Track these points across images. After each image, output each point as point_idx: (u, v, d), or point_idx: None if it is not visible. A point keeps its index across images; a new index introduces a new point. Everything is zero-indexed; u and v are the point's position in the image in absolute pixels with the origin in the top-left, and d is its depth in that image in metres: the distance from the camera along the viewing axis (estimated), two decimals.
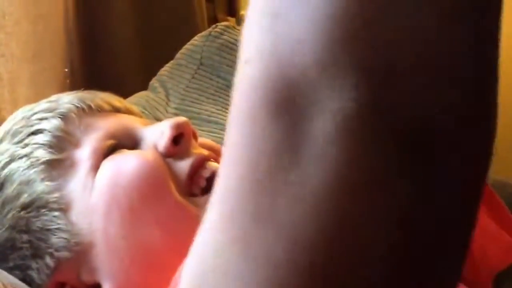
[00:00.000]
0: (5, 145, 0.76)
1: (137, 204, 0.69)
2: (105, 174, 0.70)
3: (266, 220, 0.29)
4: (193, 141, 0.75)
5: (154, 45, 1.66)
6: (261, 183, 0.29)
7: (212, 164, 0.72)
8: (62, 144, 0.73)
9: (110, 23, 1.54)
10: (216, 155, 0.75)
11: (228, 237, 0.30)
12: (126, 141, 0.74)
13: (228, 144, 0.32)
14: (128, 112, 0.82)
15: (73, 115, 0.75)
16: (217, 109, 1.35)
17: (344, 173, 0.28)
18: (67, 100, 0.78)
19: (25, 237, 0.70)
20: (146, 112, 1.33)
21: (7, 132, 0.77)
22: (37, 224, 0.70)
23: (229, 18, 2.09)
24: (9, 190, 0.72)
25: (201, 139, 0.79)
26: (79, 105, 0.76)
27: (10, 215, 0.71)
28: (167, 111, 1.36)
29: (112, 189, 0.69)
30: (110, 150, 0.73)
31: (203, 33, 1.47)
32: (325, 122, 0.27)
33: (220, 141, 1.23)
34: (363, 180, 0.28)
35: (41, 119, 0.75)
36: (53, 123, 0.74)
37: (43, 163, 0.72)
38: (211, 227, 0.32)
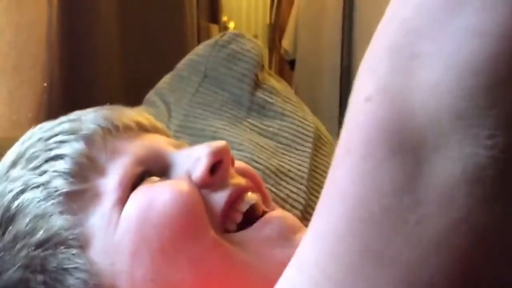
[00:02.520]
0: (18, 171, 0.65)
1: (169, 244, 0.60)
2: (133, 209, 0.61)
3: (378, 258, 0.29)
4: (230, 168, 0.67)
5: (138, 61, 1.63)
6: (375, 221, 0.30)
7: (250, 196, 0.65)
8: (85, 172, 0.64)
9: (95, 34, 1.49)
10: (253, 182, 0.69)
11: (328, 275, 0.31)
12: (156, 167, 0.66)
13: (332, 179, 0.34)
14: (155, 130, 0.73)
15: (98, 138, 0.66)
16: (223, 125, 1.21)
17: (472, 216, 0.28)
18: (91, 119, 0.68)
19: (40, 277, 0.60)
20: None
21: (20, 156, 0.66)
22: (54, 263, 0.60)
23: (211, 25, 2.17)
24: (22, 224, 0.62)
25: (236, 163, 0.71)
26: (105, 126, 0.67)
27: (23, 253, 0.61)
28: (169, 128, 1.21)
29: (142, 226, 0.60)
30: (139, 179, 0.64)
31: (209, 41, 1.34)
32: (453, 167, 0.28)
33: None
34: (492, 224, 0.28)
35: (61, 142, 0.66)
36: (75, 148, 0.64)
37: (62, 194, 0.62)
38: (306, 264, 0.33)
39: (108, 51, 1.51)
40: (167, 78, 1.32)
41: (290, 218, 0.65)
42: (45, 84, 1.27)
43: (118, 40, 1.55)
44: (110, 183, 0.63)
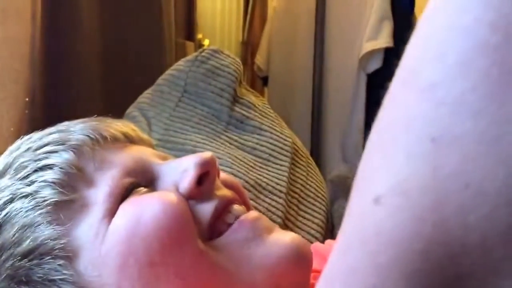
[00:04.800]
0: (6, 180, 0.63)
1: (157, 256, 0.57)
2: (122, 222, 0.59)
3: None
4: (217, 180, 0.65)
5: (118, 77, 1.60)
6: None
7: (236, 209, 0.63)
8: (74, 182, 0.61)
9: (77, 51, 1.46)
10: (238, 194, 0.66)
11: None
12: (144, 179, 0.63)
13: None
14: (141, 142, 0.71)
15: (87, 148, 0.64)
16: (202, 139, 1.21)
17: None
18: (80, 129, 0.66)
19: None
20: None
21: (8, 166, 0.64)
22: (39, 273, 0.58)
23: (187, 42, 2.15)
24: (9, 234, 0.60)
25: (222, 175, 0.69)
26: (93, 136, 0.65)
27: (8, 264, 0.59)
28: None
29: (130, 239, 0.58)
30: (128, 191, 0.61)
31: (189, 57, 1.34)
32: None
33: None
34: None
35: (50, 152, 0.63)
36: (64, 158, 0.62)
37: (50, 204, 0.60)
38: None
39: (89, 67, 1.49)
40: (147, 93, 1.31)
41: (265, 219, 0.64)
42: (27, 99, 1.24)
43: (100, 56, 1.53)
44: (99, 194, 0.61)
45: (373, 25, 2.20)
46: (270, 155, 1.21)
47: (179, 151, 1.15)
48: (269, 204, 1.11)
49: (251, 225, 0.61)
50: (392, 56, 2.25)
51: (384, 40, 2.17)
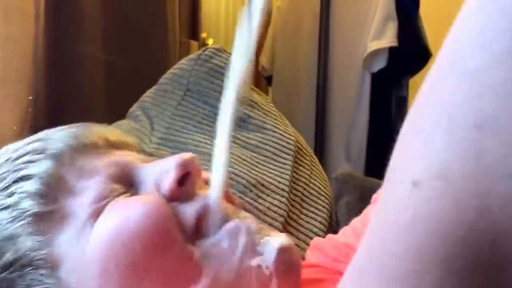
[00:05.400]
0: None
1: (140, 260, 0.56)
2: (104, 227, 0.57)
3: None
4: (200, 179, 0.64)
5: (121, 75, 1.60)
6: None
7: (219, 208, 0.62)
8: (54, 192, 0.60)
9: (80, 49, 1.46)
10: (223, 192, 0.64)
11: None
12: (125, 183, 0.62)
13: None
14: (125, 146, 0.70)
15: (67, 156, 0.62)
16: (204, 138, 1.19)
17: None
18: (59, 137, 0.65)
19: None
20: None
21: None
22: (22, 284, 0.57)
23: (191, 41, 2.14)
24: None
25: (204, 174, 0.67)
26: (73, 144, 0.64)
27: None
28: (151, 141, 1.20)
29: (112, 244, 0.56)
30: (109, 197, 0.60)
31: (191, 56, 1.32)
32: None
33: (208, 171, 1.06)
34: None
35: (29, 162, 0.62)
36: (43, 167, 0.61)
37: (31, 215, 0.59)
38: None
39: (92, 66, 1.49)
40: (150, 92, 1.30)
41: (251, 220, 0.61)
42: (30, 98, 1.24)
43: (103, 55, 1.53)
44: (80, 202, 0.59)
45: (377, 25, 2.20)
46: (273, 153, 1.20)
47: (181, 150, 1.14)
48: (271, 203, 1.10)
49: (236, 227, 0.59)
50: (396, 56, 2.26)
51: (389, 39, 2.17)
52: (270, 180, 1.14)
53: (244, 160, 1.15)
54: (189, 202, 0.60)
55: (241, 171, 1.12)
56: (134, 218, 0.57)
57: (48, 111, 1.30)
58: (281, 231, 1.06)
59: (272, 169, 1.17)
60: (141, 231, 0.56)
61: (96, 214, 0.58)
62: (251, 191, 1.09)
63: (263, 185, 1.12)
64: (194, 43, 2.15)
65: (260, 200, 1.09)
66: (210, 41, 2.64)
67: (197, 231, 0.59)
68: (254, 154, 1.19)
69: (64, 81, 1.39)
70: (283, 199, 1.12)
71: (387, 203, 0.33)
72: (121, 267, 0.56)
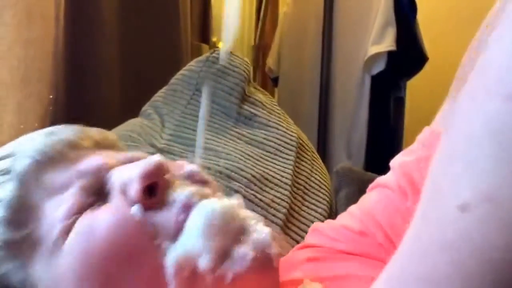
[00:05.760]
0: None
1: (114, 272, 0.53)
2: (73, 245, 0.54)
3: None
4: (173, 183, 0.58)
5: (136, 76, 1.61)
6: None
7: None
8: (21, 217, 0.57)
9: (97, 51, 1.47)
10: (201, 183, 0.60)
11: None
12: (97, 191, 0.58)
13: None
14: (110, 145, 0.67)
15: (32, 175, 0.58)
16: (212, 135, 1.23)
17: None
18: (26, 151, 0.60)
19: None
20: (141, 139, 1.21)
21: None
22: None
23: (202, 44, 2.16)
24: None
25: (189, 167, 0.62)
26: (40, 159, 0.59)
27: None
28: (162, 138, 1.23)
29: (82, 262, 0.53)
30: (79, 210, 0.56)
31: (200, 58, 1.35)
32: None
33: (215, 167, 1.09)
34: None
35: None
36: (8, 191, 0.57)
37: (3, 242, 0.56)
38: None
39: (109, 66, 1.51)
40: (162, 92, 1.34)
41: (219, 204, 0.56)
42: (51, 97, 1.26)
43: (119, 56, 1.55)
44: (48, 223, 0.56)
45: (377, 30, 2.23)
46: (276, 149, 1.23)
47: (190, 146, 1.17)
48: (274, 196, 1.12)
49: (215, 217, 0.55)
50: (395, 59, 2.28)
51: (388, 44, 2.20)
52: (273, 174, 1.16)
53: (249, 155, 1.18)
54: (166, 209, 0.56)
55: (246, 166, 1.14)
56: (103, 231, 0.53)
57: (67, 109, 1.32)
58: (284, 223, 1.08)
59: (276, 163, 1.20)
60: (109, 244, 0.53)
61: (65, 232, 0.55)
62: (255, 184, 1.11)
63: (266, 179, 1.14)
64: (205, 46, 2.14)
65: (264, 193, 1.11)
66: (220, 44, 2.68)
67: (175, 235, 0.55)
68: (259, 150, 1.21)
69: (83, 81, 1.41)
70: (286, 192, 1.14)
71: (431, 224, 0.31)
72: (95, 280, 0.53)
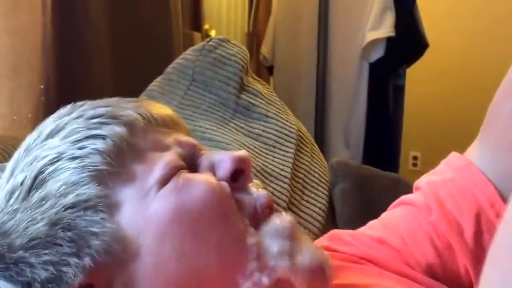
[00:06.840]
0: (55, 141, 0.62)
1: (201, 230, 0.58)
2: (172, 193, 0.59)
3: None
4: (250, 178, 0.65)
5: (128, 65, 1.61)
6: None
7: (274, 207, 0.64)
8: (123, 156, 0.61)
9: (86, 40, 1.47)
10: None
11: None
12: (189, 164, 0.63)
13: None
14: (182, 128, 0.70)
15: (139, 127, 0.64)
16: (210, 125, 1.20)
17: None
18: (132, 107, 0.66)
19: (68, 234, 0.58)
20: None
21: (59, 129, 0.64)
22: (82, 224, 0.58)
23: (194, 33, 2.16)
24: (54, 186, 0.60)
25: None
26: (145, 116, 0.65)
27: (51, 212, 0.58)
28: None
29: (178, 210, 0.58)
30: (177, 170, 0.61)
31: (196, 46, 1.31)
32: None
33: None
34: None
35: (102, 123, 0.63)
36: (116, 131, 0.62)
37: (98, 170, 0.60)
38: None
39: (99, 55, 1.49)
40: (157, 81, 1.30)
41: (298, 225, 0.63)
42: (42, 87, 1.25)
43: (109, 44, 1.53)
44: (148, 169, 0.61)
45: (375, 15, 2.20)
46: (276, 141, 1.21)
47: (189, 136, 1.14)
48: (274, 189, 1.11)
49: (290, 226, 0.61)
50: (394, 46, 2.26)
51: (386, 29, 2.17)
52: (272, 167, 1.15)
53: (248, 147, 1.16)
54: (248, 194, 0.62)
55: None
56: (203, 189, 0.59)
57: (59, 98, 1.30)
58: None
59: (275, 156, 1.18)
60: (207, 202, 0.58)
61: (165, 180, 0.59)
62: (255, 177, 1.09)
63: (266, 172, 1.13)
64: (197, 34, 2.14)
65: (264, 186, 1.09)
66: (212, 32, 2.64)
67: (253, 220, 0.61)
68: (258, 143, 1.19)
69: (73, 71, 1.40)
70: (285, 186, 1.13)
71: None
72: (183, 233, 0.58)
